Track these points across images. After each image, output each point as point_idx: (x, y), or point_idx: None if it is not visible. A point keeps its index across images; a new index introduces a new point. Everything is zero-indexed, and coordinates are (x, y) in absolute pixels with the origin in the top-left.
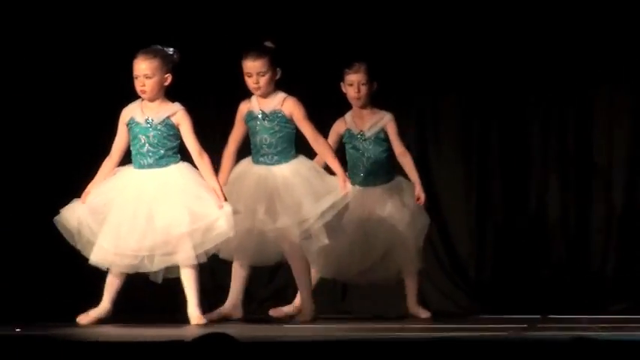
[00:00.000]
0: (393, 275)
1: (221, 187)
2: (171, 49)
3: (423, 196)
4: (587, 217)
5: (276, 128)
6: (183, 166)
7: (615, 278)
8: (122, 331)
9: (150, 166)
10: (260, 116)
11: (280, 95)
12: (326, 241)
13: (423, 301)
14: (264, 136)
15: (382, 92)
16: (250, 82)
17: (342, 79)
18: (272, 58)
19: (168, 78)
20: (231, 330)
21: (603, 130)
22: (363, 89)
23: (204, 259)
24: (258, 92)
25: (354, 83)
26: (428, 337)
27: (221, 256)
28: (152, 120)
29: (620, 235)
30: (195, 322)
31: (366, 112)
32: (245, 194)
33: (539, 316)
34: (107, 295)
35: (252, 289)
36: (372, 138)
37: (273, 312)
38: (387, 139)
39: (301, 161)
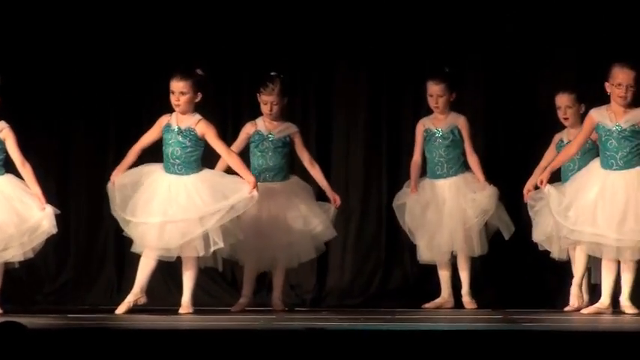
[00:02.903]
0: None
1: (42, 192)
2: None
3: (338, 199)
4: None
5: (188, 143)
6: (9, 177)
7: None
8: None
9: None
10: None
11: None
12: (221, 244)
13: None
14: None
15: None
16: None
17: (258, 94)
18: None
19: None
20: (22, 319)
21: None
22: (275, 108)
23: (31, 255)
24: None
25: (267, 103)
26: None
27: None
28: None
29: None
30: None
31: (276, 122)
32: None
33: (286, 309)
34: None
35: (40, 281)
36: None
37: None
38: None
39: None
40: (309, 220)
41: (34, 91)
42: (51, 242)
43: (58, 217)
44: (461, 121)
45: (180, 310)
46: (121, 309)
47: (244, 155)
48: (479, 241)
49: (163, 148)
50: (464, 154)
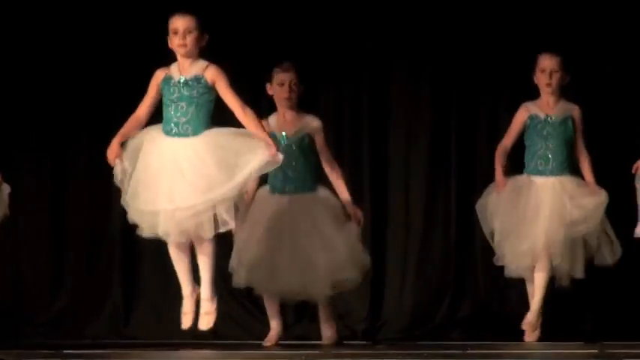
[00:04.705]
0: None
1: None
2: None
3: (360, 215)
4: None
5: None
6: None
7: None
8: None
9: None
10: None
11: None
12: (232, 224)
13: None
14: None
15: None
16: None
17: (269, 79)
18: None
19: None
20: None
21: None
22: (295, 89)
23: None
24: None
25: (284, 82)
26: None
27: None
28: None
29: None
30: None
31: (291, 114)
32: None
33: (370, 342)
34: None
35: (30, 309)
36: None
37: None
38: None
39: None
40: (329, 249)
41: (26, 88)
42: (43, 260)
43: (46, 225)
44: (576, 112)
45: (202, 312)
46: (186, 323)
47: None
48: (580, 257)
49: (163, 108)
50: (574, 151)
